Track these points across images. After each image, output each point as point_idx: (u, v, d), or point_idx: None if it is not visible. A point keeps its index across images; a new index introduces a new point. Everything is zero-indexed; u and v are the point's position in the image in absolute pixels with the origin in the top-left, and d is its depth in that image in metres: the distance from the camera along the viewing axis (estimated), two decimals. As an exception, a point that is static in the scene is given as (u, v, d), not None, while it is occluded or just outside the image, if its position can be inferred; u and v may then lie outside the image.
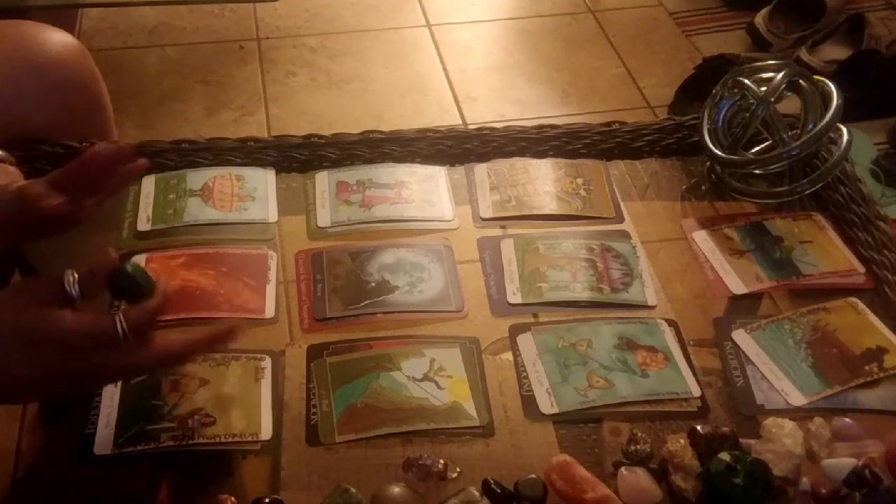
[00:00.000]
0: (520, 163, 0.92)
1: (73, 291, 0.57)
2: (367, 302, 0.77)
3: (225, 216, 0.84)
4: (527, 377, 0.72)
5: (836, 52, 1.77)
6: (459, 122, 1.72)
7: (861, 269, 0.83)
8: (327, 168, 0.91)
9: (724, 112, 0.90)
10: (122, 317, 0.56)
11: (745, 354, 0.75)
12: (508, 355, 0.74)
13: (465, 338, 0.75)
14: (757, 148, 0.91)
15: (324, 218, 0.85)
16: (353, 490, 0.62)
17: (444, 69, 1.85)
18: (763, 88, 0.86)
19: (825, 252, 0.85)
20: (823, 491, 0.64)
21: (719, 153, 0.88)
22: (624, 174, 0.93)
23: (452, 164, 0.92)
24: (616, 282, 0.80)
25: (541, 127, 0.95)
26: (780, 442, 0.65)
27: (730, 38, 1.95)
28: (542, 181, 0.90)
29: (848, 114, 0.86)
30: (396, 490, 0.62)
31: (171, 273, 0.78)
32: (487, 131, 0.94)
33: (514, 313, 0.78)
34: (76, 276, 0.57)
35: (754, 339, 0.76)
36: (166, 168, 0.89)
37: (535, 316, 0.78)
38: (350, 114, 1.72)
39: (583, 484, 0.63)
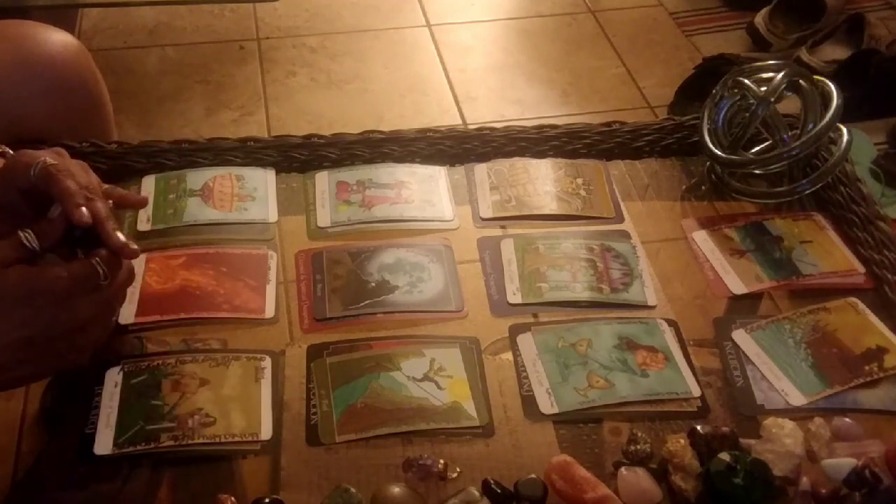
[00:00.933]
0: (520, 163, 0.92)
1: (34, 245, 0.59)
2: (367, 302, 0.77)
3: (225, 216, 0.84)
4: (527, 377, 0.72)
5: (836, 52, 1.77)
6: (459, 122, 1.73)
7: (861, 269, 0.83)
8: (327, 168, 0.91)
9: (724, 112, 0.90)
10: (99, 259, 0.60)
11: (745, 354, 0.75)
12: (508, 355, 0.74)
13: (465, 338, 0.75)
14: (757, 148, 0.91)
15: (324, 218, 0.85)
16: (353, 490, 0.62)
17: (444, 69, 1.85)
18: (763, 88, 0.86)
19: (825, 252, 0.85)
20: (823, 491, 0.64)
21: (719, 153, 0.88)
22: (624, 174, 0.93)
23: (452, 164, 0.92)
24: (616, 282, 0.80)
25: (541, 127, 0.95)
26: (780, 442, 0.65)
27: (730, 38, 1.95)
28: (542, 181, 0.90)
29: (848, 114, 0.86)
30: (396, 490, 0.62)
31: (171, 273, 0.78)
32: (487, 131, 0.94)
33: (514, 313, 0.78)
34: (31, 232, 0.59)
35: (754, 339, 0.76)
36: (166, 168, 0.89)
37: (535, 316, 0.78)
38: (350, 114, 1.72)
39: (583, 484, 0.63)
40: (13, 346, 0.57)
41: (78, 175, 0.64)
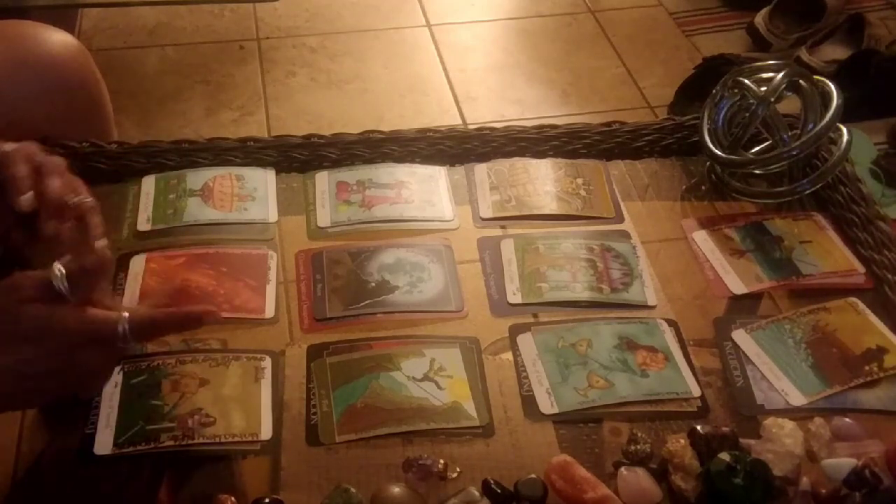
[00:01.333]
0: (520, 163, 0.92)
1: (62, 287, 0.56)
2: (367, 302, 0.77)
3: (225, 216, 0.84)
4: (527, 377, 0.72)
5: (836, 52, 1.77)
6: (459, 122, 1.72)
7: (861, 269, 0.83)
8: (327, 168, 0.91)
9: (724, 112, 0.90)
10: (126, 317, 0.57)
11: (745, 354, 0.75)
12: (508, 355, 0.74)
13: (465, 338, 0.75)
14: (757, 148, 0.91)
15: (324, 218, 0.85)
16: (353, 490, 0.62)
17: (444, 69, 1.85)
18: (763, 88, 0.86)
19: (825, 252, 0.85)
20: (823, 491, 0.64)
21: (719, 153, 0.88)
22: (624, 174, 0.93)
23: (452, 164, 0.92)
24: (616, 282, 0.80)
25: (541, 127, 0.95)
26: (780, 442, 0.65)
27: (730, 38, 1.95)
28: (542, 181, 0.90)
29: (848, 114, 0.86)
30: (396, 490, 0.62)
31: (171, 273, 0.78)
32: (487, 131, 0.94)
33: (514, 313, 0.78)
34: (63, 271, 0.56)
35: (754, 339, 0.76)
36: (166, 168, 0.89)
37: (535, 316, 0.78)
38: (350, 114, 1.72)
39: (583, 484, 0.63)
40: (19, 378, 0.55)
41: (38, 154, 0.61)
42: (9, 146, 0.61)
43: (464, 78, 1.83)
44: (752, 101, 0.86)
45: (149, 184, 0.87)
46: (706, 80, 1.56)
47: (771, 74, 0.87)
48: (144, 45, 1.88)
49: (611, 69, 1.87)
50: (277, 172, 0.90)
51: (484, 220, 0.87)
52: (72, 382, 0.58)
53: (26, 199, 0.58)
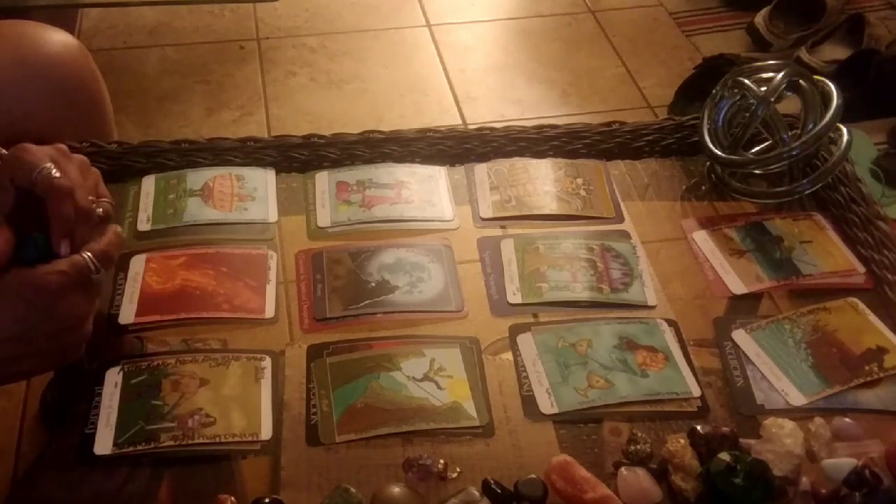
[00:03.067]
0: (520, 163, 0.92)
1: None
2: (367, 302, 0.77)
3: (225, 216, 0.84)
4: (527, 377, 0.72)
5: (836, 52, 1.77)
6: (459, 122, 1.73)
7: (861, 269, 0.83)
8: (327, 168, 0.91)
9: (724, 112, 0.90)
10: (91, 254, 0.62)
11: (745, 354, 0.75)
12: (508, 355, 0.74)
13: (465, 338, 0.75)
14: (757, 148, 0.91)
15: (324, 218, 0.85)
16: (353, 490, 0.62)
17: (444, 69, 1.86)
18: (763, 88, 0.86)
19: (825, 252, 0.85)
20: (823, 491, 0.64)
21: (719, 153, 0.88)
22: (624, 174, 0.93)
23: (452, 164, 0.92)
24: (616, 282, 0.80)
25: (541, 127, 0.95)
26: (780, 442, 0.65)
27: (730, 38, 1.96)
28: (542, 181, 0.90)
29: (848, 114, 0.86)
30: (396, 490, 0.62)
31: (171, 273, 0.78)
32: (487, 131, 0.94)
33: (514, 313, 0.78)
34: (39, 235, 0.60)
35: (754, 339, 0.76)
36: (166, 168, 0.89)
37: (535, 316, 0.78)
38: (350, 114, 1.73)
39: (583, 484, 0.63)
40: (12, 340, 0.58)
41: (76, 183, 0.63)
42: (50, 165, 0.63)
43: (464, 78, 1.83)
44: (752, 101, 0.86)
45: (149, 184, 0.87)
46: (706, 80, 1.56)
47: (771, 74, 0.87)
48: (144, 45, 1.88)
49: (611, 69, 1.88)
50: (277, 172, 0.90)
51: (484, 220, 0.87)
52: (71, 336, 0.61)
53: (67, 246, 0.62)
